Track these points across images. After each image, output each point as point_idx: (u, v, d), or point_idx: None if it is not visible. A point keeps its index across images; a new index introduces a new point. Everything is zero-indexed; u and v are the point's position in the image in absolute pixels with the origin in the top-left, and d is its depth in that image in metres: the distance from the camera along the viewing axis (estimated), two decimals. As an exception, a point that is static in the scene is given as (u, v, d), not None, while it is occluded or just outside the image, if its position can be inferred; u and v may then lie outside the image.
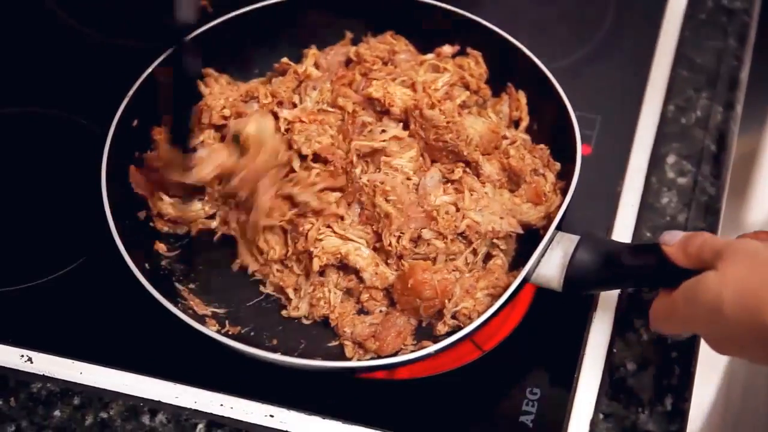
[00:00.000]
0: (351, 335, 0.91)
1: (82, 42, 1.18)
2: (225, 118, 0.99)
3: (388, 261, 0.92)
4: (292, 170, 0.95)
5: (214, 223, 0.99)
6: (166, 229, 0.98)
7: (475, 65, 1.03)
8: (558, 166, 0.96)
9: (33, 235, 1.02)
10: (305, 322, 0.93)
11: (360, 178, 0.92)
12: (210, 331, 0.85)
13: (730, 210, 1.08)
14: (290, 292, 0.94)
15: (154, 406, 0.88)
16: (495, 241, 0.93)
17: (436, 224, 0.91)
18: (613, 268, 0.85)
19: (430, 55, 1.04)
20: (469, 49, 1.04)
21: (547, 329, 0.92)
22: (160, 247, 0.96)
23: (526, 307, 0.93)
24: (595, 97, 1.09)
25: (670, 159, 1.04)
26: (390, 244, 0.91)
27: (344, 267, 0.93)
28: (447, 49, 1.04)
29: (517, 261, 0.93)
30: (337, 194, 0.94)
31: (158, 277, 0.92)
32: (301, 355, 0.89)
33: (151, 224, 0.97)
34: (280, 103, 1.00)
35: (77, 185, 1.03)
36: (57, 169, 1.06)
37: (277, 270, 0.95)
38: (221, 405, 0.88)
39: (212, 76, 1.03)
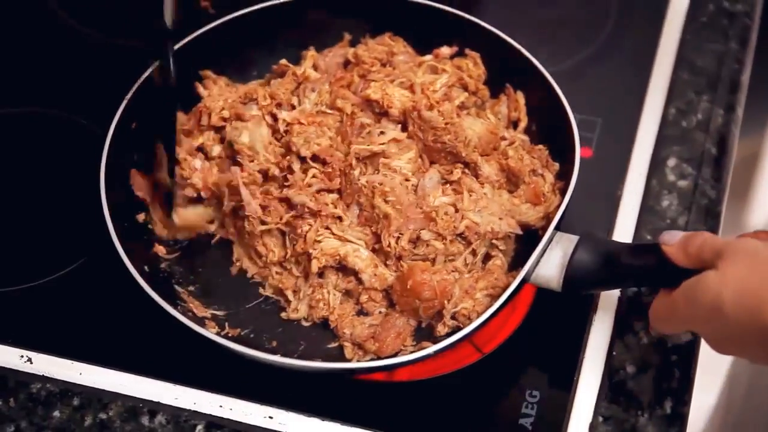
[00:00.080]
0: (350, 336, 0.91)
1: (83, 42, 1.19)
2: (224, 119, 0.99)
3: (387, 262, 0.92)
4: (291, 172, 0.95)
5: (212, 227, 0.99)
6: (164, 234, 0.98)
7: (474, 66, 1.03)
8: (557, 166, 0.96)
9: (33, 235, 1.02)
10: (305, 323, 0.93)
11: (359, 180, 0.92)
12: (210, 333, 0.85)
13: (731, 213, 1.08)
14: (289, 294, 0.94)
15: (154, 407, 0.88)
16: (494, 241, 0.93)
17: (435, 225, 0.91)
18: (612, 268, 0.85)
19: (428, 57, 1.04)
20: (467, 51, 1.04)
21: (547, 332, 0.92)
22: (159, 249, 0.96)
23: (526, 309, 0.93)
24: (596, 99, 1.09)
25: (671, 162, 1.04)
26: (389, 245, 0.91)
27: (343, 268, 0.93)
28: (445, 50, 1.04)
29: (517, 261, 0.93)
30: (334, 195, 0.94)
31: (157, 280, 0.92)
32: (300, 357, 0.89)
33: (149, 226, 0.97)
34: (278, 105, 1.00)
35: (77, 186, 1.03)
36: (57, 170, 1.06)
37: (276, 272, 0.95)
38: (220, 406, 0.88)
39: (211, 78, 1.03)
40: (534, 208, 0.94)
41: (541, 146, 0.97)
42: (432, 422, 0.88)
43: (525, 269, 0.85)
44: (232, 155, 0.98)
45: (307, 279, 0.93)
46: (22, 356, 0.91)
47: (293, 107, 0.99)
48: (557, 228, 0.88)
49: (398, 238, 0.91)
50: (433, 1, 1.05)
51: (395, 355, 0.88)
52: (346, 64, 1.05)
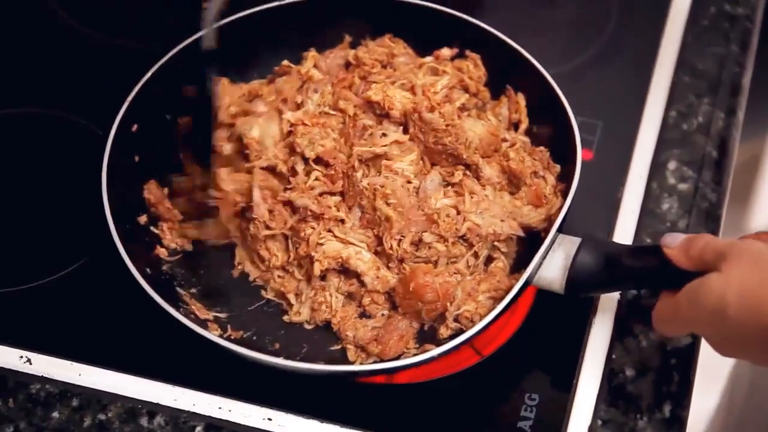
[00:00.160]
0: (353, 339, 0.90)
1: (83, 43, 1.19)
2: (233, 116, 0.99)
3: (390, 264, 0.92)
4: (294, 174, 0.95)
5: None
6: (173, 245, 0.97)
7: (474, 68, 1.03)
8: (558, 168, 0.96)
9: (32, 236, 1.01)
10: (307, 327, 0.93)
11: (360, 182, 0.92)
12: (212, 335, 0.85)
13: (732, 216, 1.08)
14: (291, 297, 0.94)
15: (153, 408, 0.88)
16: (496, 243, 0.93)
17: (437, 227, 0.91)
18: (614, 270, 0.85)
19: (428, 58, 1.04)
20: (467, 52, 1.04)
21: (547, 334, 0.92)
22: (161, 251, 0.96)
23: (526, 312, 0.93)
24: (596, 102, 1.09)
25: (672, 165, 1.04)
26: (391, 248, 0.90)
27: (345, 271, 0.93)
28: (445, 51, 1.04)
29: (519, 263, 0.93)
30: (337, 198, 0.94)
31: (160, 282, 0.92)
32: (303, 360, 0.89)
33: (153, 228, 0.97)
34: (284, 101, 0.99)
35: (77, 187, 1.03)
36: (56, 171, 1.06)
37: (278, 275, 0.95)
38: (219, 408, 0.88)
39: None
40: (535, 210, 0.93)
41: (542, 148, 0.97)
42: (431, 425, 0.88)
43: (528, 272, 0.85)
44: (242, 150, 0.97)
45: (310, 282, 0.93)
46: (21, 357, 0.91)
47: (298, 106, 0.99)
48: (559, 230, 0.88)
49: (400, 240, 0.90)
50: (432, 2, 1.05)
51: (398, 357, 0.88)
52: (347, 65, 1.05)
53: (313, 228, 0.92)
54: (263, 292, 0.96)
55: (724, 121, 1.08)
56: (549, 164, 0.96)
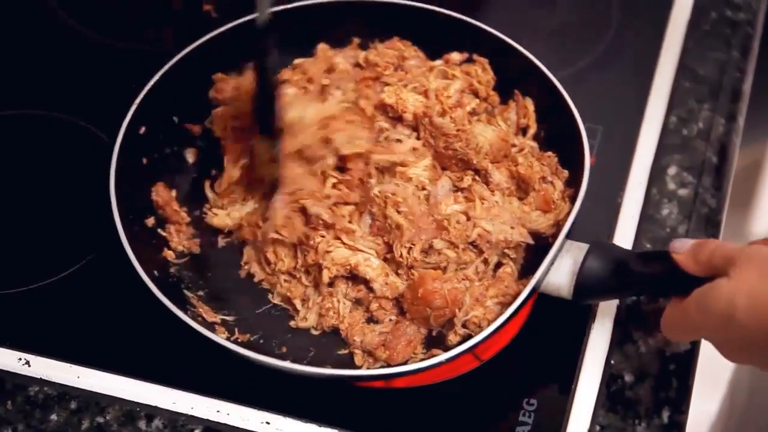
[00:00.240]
0: (361, 344, 0.90)
1: (82, 42, 1.19)
2: None
3: (399, 271, 0.92)
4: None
5: (229, 222, 0.98)
6: (180, 248, 0.97)
7: (483, 72, 1.03)
8: (566, 173, 0.96)
9: (31, 238, 1.02)
10: (314, 332, 0.93)
11: (372, 189, 0.92)
12: (220, 339, 0.85)
13: (732, 222, 1.08)
14: (298, 303, 0.93)
15: (151, 412, 0.88)
16: (505, 250, 0.93)
17: (448, 234, 0.91)
18: (622, 275, 0.85)
19: (438, 62, 1.04)
20: (475, 56, 1.04)
21: (545, 340, 0.92)
22: (169, 254, 0.96)
23: (525, 317, 0.92)
24: (597, 107, 1.09)
25: (672, 170, 1.04)
26: (401, 256, 0.90)
27: (353, 277, 0.92)
28: (455, 55, 1.04)
29: (527, 269, 0.93)
30: (351, 207, 0.93)
31: (167, 285, 0.92)
32: (310, 363, 0.88)
33: (159, 230, 0.97)
34: (310, 80, 0.99)
35: (83, 188, 1.03)
36: (63, 173, 1.06)
37: (285, 280, 0.95)
38: (218, 411, 0.88)
39: (223, 80, 1.03)
40: (544, 216, 0.93)
41: (550, 153, 0.97)
42: (429, 429, 0.88)
43: (536, 277, 0.85)
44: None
45: (317, 288, 0.93)
46: (20, 359, 0.91)
47: (323, 89, 0.99)
48: (567, 235, 0.88)
49: (410, 248, 0.90)
50: (436, 6, 1.05)
51: (406, 362, 0.88)
52: (356, 67, 1.04)
53: (323, 236, 0.92)
54: (270, 296, 0.95)
55: (724, 126, 1.07)
56: (557, 169, 0.96)
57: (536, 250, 0.92)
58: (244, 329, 0.92)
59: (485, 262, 0.92)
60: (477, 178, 0.95)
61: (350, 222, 0.93)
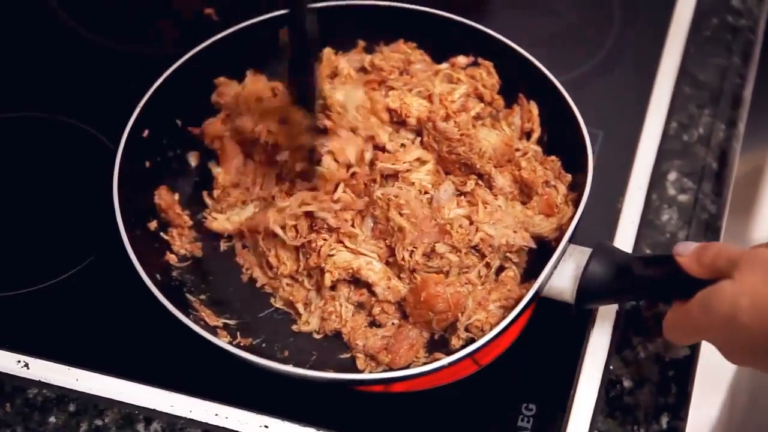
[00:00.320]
0: (363, 348, 0.90)
1: (82, 43, 1.18)
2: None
3: (401, 275, 0.91)
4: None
5: (229, 226, 0.98)
6: (183, 252, 0.97)
7: (487, 76, 1.03)
8: (569, 177, 0.96)
9: (31, 239, 1.02)
10: (316, 336, 0.93)
11: (374, 192, 0.92)
12: (223, 342, 0.84)
13: (732, 228, 1.08)
14: (300, 307, 0.93)
15: (149, 415, 0.88)
16: (508, 254, 0.93)
17: (450, 238, 0.90)
18: (625, 279, 0.85)
19: (444, 65, 1.04)
20: (480, 60, 1.04)
21: (544, 345, 0.92)
22: (171, 258, 0.96)
23: (524, 322, 0.92)
24: (597, 112, 1.08)
25: (672, 176, 1.04)
26: (403, 259, 0.90)
27: (355, 281, 0.92)
28: (461, 59, 1.04)
29: (529, 273, 0.93)
30: (354, 211, 0.93)
31: (170, 288, 0.92)
32: (312, 367, 0.88)
33: (162, 234, 0.97)
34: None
35: (85, 191, 1.03)
36: (66, 176, 1.06)
37: (287, 284, 0.94)
38: (216, 414, 0.88)
39: (226, 83, 1.03)
40: (547, 220, 0.93)
41: (553, 157, 0.97)
42: (428, 434, 0.88)
43: (539, 281, 0.85)
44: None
45: (319, 292, 0.93)
46: (19, 361, 0.91)
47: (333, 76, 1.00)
48: (570, 239, 0.88)
49: (412, 251, 0.90)
50: (439, 9, 1.05)
51: (408, 366, 0.88)
52: (361, 71, 1.04)
53: (325, 240, 0.92)
54: (272, 300, 0.95)
55: (724, 132, 1.07)
56: (560, 173, 0.96)
57: (539, 254, 0.92)
58: (246, 333, 0.91)
59: (488, 266, 0.92)
60: (480, 182, 0.95)
61: (353, 225, 0.93)
